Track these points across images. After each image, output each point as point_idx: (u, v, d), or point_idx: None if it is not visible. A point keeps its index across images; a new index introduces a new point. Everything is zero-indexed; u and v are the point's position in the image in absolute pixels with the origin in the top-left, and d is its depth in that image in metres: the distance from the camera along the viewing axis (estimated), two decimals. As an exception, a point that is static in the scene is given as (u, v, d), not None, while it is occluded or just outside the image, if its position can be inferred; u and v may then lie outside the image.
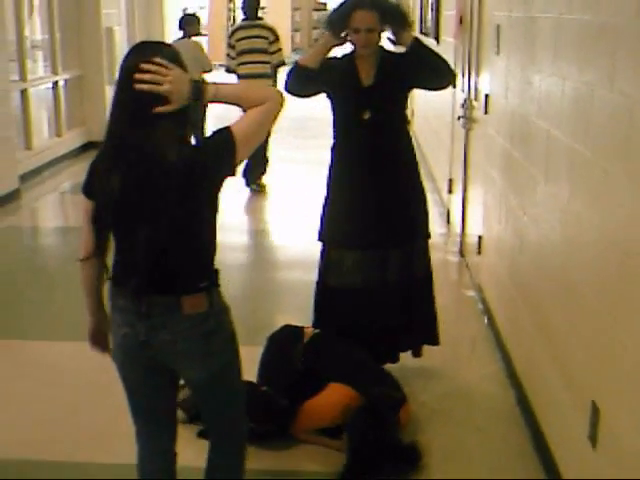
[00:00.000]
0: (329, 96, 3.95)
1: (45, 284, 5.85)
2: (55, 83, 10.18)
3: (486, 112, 5.22)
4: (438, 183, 8.23)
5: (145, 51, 2.37)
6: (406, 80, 3.90)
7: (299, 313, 4.55)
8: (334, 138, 4.00)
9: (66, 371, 4.34)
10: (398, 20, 3.80)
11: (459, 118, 6.22)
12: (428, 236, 4.14)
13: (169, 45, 2.53)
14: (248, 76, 8.18)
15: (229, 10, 23.26)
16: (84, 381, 4.21)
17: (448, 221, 7.13)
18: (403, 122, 4.01)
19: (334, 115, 3.98)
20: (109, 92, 10.81)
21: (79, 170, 9.74)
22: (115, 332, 2.51)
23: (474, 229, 5.67)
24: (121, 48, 11.45)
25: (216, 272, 2.46)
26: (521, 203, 4.05)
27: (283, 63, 8.41)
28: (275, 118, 2.43)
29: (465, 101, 6.10)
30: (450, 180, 7.07)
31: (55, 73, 10.14)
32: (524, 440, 3.64)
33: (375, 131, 3.85)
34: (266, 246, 7.11)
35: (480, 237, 5.29)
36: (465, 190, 6.20)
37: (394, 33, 3.85)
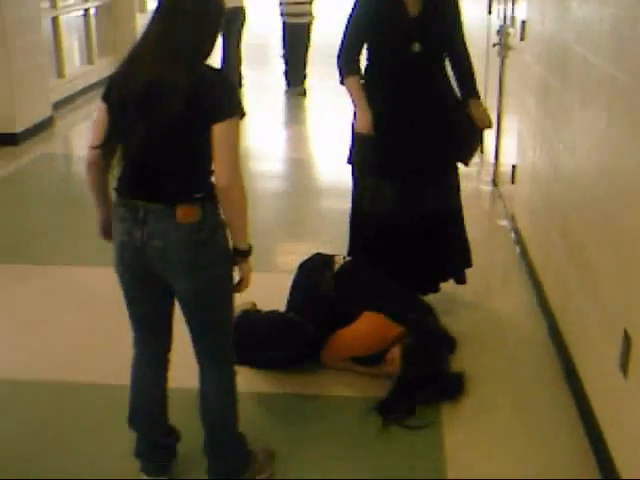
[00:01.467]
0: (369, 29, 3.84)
1: (78, 211, 5.90)
2: (86, 10, 10.10)
3: (522, 39, 5.12)
4: (472, 112, 8.11)
5: None
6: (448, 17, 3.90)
7: (333, 241, 4.57)
8: (370, 68, 3.90)
9: (99, 296, 4.40)
10: None
11: (494, 45, 6.11)
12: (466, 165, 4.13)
13: None
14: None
15: None
16: (117, 306, 4.26)
17: (481, 150, 7.06)
18: (445, 55, 3.96)
19: (372, 46, 3.87)
20: (139, 19, 10.75)
21: (111, 98, 9.75)
22: (115, 241, 2.62)
23: (508, 158, 5.61)
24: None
25: (213, 186, 2.49)
26: (557, 131, 3.99)
27: None
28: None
29: (500, 28, 5.98)
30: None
31: (86, 0, 10.05)
32: (555, 369, 3.66)
33: (424, 64, 3.80)
34: (302, 173, 7.08)
35: (514, 166, 5.24)
36: (499, 119, 6.12)
37: None
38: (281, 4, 9.94)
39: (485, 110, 3.97)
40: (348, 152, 4.04)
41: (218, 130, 2.38)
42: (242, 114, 2.48)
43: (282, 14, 9.95)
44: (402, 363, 3.41)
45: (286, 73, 10.28)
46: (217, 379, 2.77)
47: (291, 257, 4.64)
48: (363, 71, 3.91)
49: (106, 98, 2.53)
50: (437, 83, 3.89)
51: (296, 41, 9.97)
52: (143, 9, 10.88)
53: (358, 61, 3.86)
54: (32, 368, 3.67)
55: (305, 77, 10.24)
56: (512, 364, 3.74)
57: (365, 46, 3.87)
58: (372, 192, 3.99)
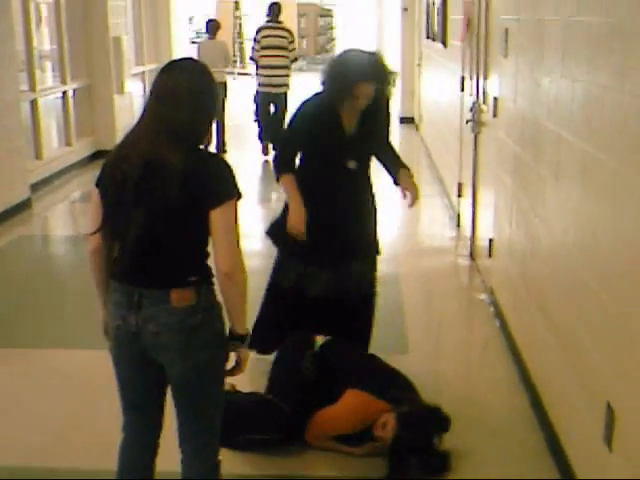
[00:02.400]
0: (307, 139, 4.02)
1: (57, 292, 5.88)
2: (64, 93, 10.21)
3: (495, 115, 5.23)
4: (447, 187, 8.23)
5: (174, 71, 2.52)
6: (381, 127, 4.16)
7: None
8: (302, 171, 4.04)
9: (78, 379, 4.35)
10: (388, 92, 4.01)
11: (467, 122, 6.23)
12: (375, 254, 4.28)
13: (196, 61, 2.67)
14: (268, 66, 10.51)
15: (235, 18, 23.40)
16: (97, 389, 4.22)
17: (458, 225, 7.13)
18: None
19: (307, 153, 4.04)
20: (117, 101, 10.87)
21: (89, 179, 9.77)
22: (111, 325, 2.60)
23: (485, 232, 5.67)
24: (128, 57, 11.53)
25: (207, 268, 2.51)
26: (532, 205, 4.05)
27: (296, 59, 10.96)
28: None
29: (473, 105, 6.10)
30: (459, 184, 7.07)
31: (64, 83, 10.17)
32: (539, 443, 3.64)
33: (356, 178, 4.04)
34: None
35: (491, 240, 5.29)
36: (475, 193, 6.21)
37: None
38: (257, 75, 10.84)
39: (412, 179, 4.14)
40: (269, 224, 4.25)
41: (215, 214, 2.40)
42: (239, 196, 2.46)
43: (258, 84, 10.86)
44: (397, 428, 3.38)
45: (260, 138, 11.10)
46: (199, 467, 2.70)
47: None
48: (296, 170, 4.07)
49: (99, 183, 2.54)
50: (364, 193, 4.14)
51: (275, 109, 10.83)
52: (121, 91, 11.00)
53: (293, 162, 4.06)
54: (8, 454, 3.59)
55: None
56: (496, 439, 3.71)
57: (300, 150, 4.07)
58: (278, 266, 4.23)
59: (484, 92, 5.80)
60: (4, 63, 7.70)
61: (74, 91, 10.42)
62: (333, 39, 37.97)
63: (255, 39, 10.74)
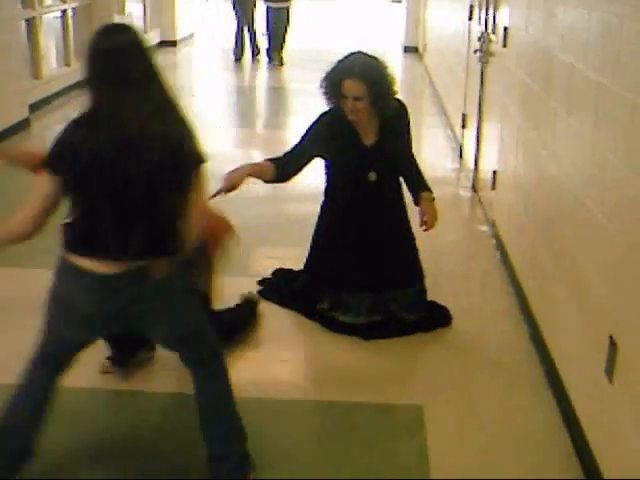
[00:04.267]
0: (324, 157, 3.95)
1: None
2: (64, 12, 10.02)
3: (504, 45, 5.14)
4: (451, 118, 8.15)
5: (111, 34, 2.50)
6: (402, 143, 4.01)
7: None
8: (328, 190, 4.03)
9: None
10: (385, 89, 3.79)
11: (475, 52, 6.13)
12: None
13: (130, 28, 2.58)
14: None
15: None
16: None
17: (460, 156, 7.09)
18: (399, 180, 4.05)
19: (329, 171, 3.99)
20: (118, 21, 10.68)
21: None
22: (66, 306, 2.59)
23: (488, 164, 5.63)
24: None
25: (180, 239, 2.55)
26: (540, 137, 4.01)
27: None
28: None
29: (482, 34, 6.00)
30: (464, 115, 7.00)
31: (63, 1, 9.97)
32: (538, 375, 3.66)
33: (379, 191, 3.91)
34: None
35: (495, 172, 5.26)
36: (480, 125, 6.15)
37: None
38: None
39: (433, 204, 3.98)
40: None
41: (193, 178, 2.52)
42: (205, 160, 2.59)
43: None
44: None
45: (268, 50, 12.68)
46: (210, 382, 2.85)
47: (271, 262, 4.66)
48: (323, 192, 4.06)
49: (63, 165, 2.45)
50: (391, 210, 4.01)
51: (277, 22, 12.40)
52: (121, 11, 10.82)
53: (283, 161, 3.83)
54: None
55: (282, 47, 12.51)
56: (493, 370, 3.74)
57: (324, 169, 4.00)
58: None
59: (494, 21, 5.70)
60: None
61: (74, 10, 10.22)
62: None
63: None
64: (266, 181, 3.81)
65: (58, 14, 10.04)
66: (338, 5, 22.81)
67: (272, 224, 5.59)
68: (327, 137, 3.85)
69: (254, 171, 3.75)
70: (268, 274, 4.50)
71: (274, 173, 3.77)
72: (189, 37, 14.91)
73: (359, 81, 3.68)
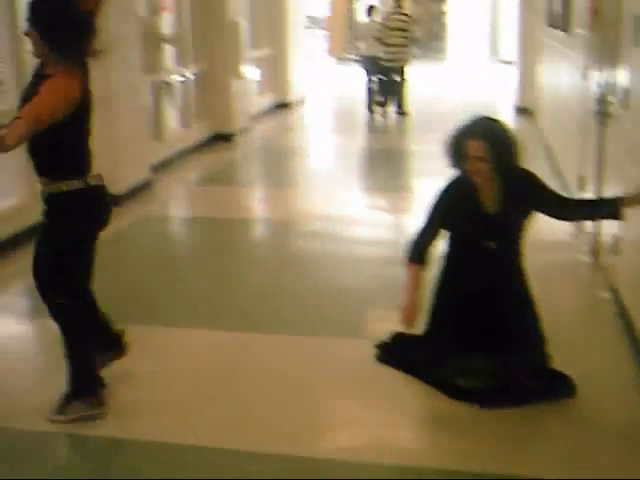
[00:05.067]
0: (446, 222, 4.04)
1: (175, 272, 6.03)
2: (184, 76, 10.43)
3: (624, 107, 5.06)
4: (567, 180, 8.02)
5: None
6: (530, 209, 3.97)
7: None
8: (448, 254, 4.08)
9: (194, 356, 4.48)
10: (509, 152, 3.86)
11: (593, 113, 6.05)
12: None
13: None
14: (394, 45, 12.88)
15: (348, 10, 23.36)
16: (218, 368, 4.32)
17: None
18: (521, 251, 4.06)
19: (450, 235, 4.05)
20: (234, 85, 11.04)
21: (207, 161, 10.01)
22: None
23: (609, 227, 5.50)
24: (245, 41, 11.68)
25: None
26: (666, 202, 3.90)
27: (417, 38, 14.00)
28: None
29: (600, 95, 5.92)
30: (581, 177, 6.88)
31: (185, 66, 10.40)
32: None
33: (500, 259, 3.94)
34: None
35: (616, 236, 5.13)
36: (598, 187, 6.03)
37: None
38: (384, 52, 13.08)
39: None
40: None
41: None
42: None
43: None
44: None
45: (384, 102, 13.58)
46: None
47: (384, 325, 4.65)
48: (443, 257, 4.11)
49: None
50: (512, 275, 4.01)
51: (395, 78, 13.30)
52: (238, 75, 11.16)
53: (425, 252, 4.02)
54: (141, 431, 3.72)
55: (402, 101, 13.41)
56: (621, 442, 3.61)
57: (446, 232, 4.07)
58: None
59: (612, 83, 5.62)
60: (129, 46, 7.92)
61: (194, 75, 10.63)
62: (446, 25, 37.49)
63: (383, 24, 13.01)
64: None
65: (179, 78, 10.48)
66: (446, 66, 22.94)
67: (387, 286, 5.59)
68: (451, 210, 3.95)
69: (416, 288, 4.04)
70: (383, 337, 4.49)
71: (423, 269, 4.04)
72: (302, 99, 15.24)
73: (481, 141, 3.76)
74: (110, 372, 4.02)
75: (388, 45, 12.85)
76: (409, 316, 4.03)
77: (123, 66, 7.69)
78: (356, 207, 7.89)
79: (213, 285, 5.62)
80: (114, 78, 7.50)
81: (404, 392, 4.07)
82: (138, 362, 4.36)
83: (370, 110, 13.60)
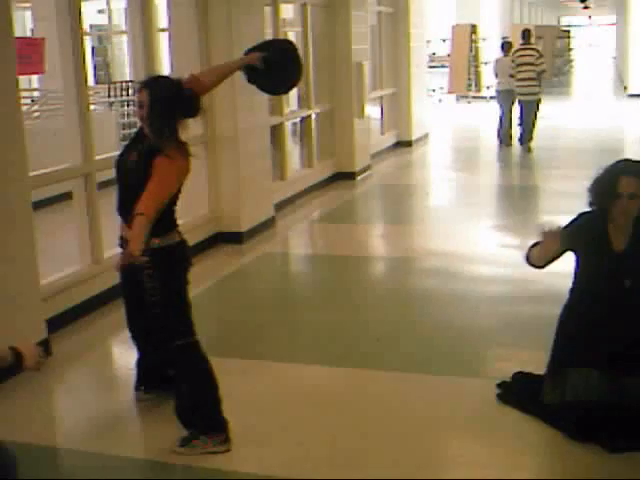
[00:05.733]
0: (574, 252, 4.01)
1: (297, 308, 6.13)
2: (307, 116, 10.65)
3: None
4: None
5: None
6: None
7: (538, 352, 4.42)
8: (575, 292, 4.05)
9: (314, 393, 4.52)
10: None
11: None
12: None
13: None
14: (522, 79, 13.21)
15: (472, 41, 23.32)
16: (337, 404, 4.36)
17: None
18: None
19: (579, 273, 4.02)
20: (357, 124, 11.19)
21: (328, 199, 10.16)
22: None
23: None
24: (368, 81, 11.84)
25: None
26: None
27: (544, 71, 13.57)
28: None
29: None
30: None
31: (308, 107, 10.61)
32: None
33: (633, 298, 3.88)
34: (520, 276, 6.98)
35: None
36: None
37: None
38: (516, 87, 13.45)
39: None
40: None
41: None
42: None
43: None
44: None
45: (520, 137, 13.68)
46: None
47: (505, 364, 4.59)
48: (570, 291, 4.08)
49: None
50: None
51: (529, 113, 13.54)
52: (361, 115, 11.31)
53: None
54: (249, 465, 3.80)
55: (532, 136, 13.51)
56: None
57: (574, 269, 4.03)
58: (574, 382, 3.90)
59: None
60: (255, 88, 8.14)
61: (317, 114, 10.84)
62: (571, 60, 36.92)
63: (512, 60, 13.47)
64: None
65: (300, 119, 10.73)
66: (571, 101, 22.52)
67: (509, 325, 5.52)
68: (580, 235, 3.93)
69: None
70: (502, 376, 4.42)
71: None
72: (424, 137, 15.28)
73: (636, 177, 3.78)
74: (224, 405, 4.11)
75: (518, 79, 13.25)
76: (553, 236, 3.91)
77: (249, 108, 7.93)
78: (477, 244, 7.82)
79: (333, 322, 5.68)
80: (240, 120, 7.74)
81: (527, 433, 3.98)
82: (256, 396, 4.47)
83: (500, 141, 14.06)
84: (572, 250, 3.98)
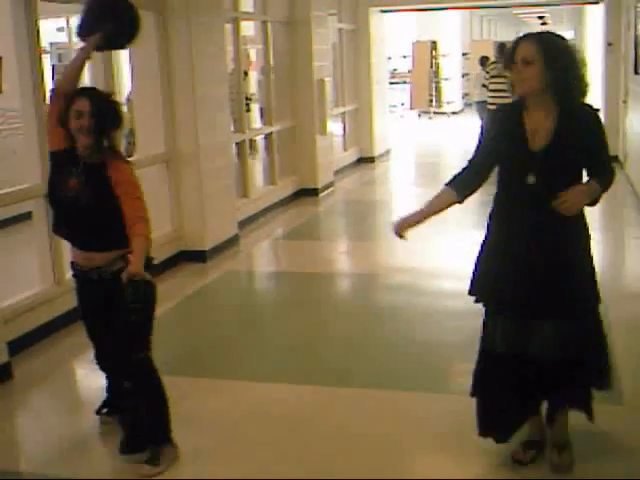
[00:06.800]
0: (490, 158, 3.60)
1: (261, 327, 6.09)
2: (269, 134, 10.64)
3: None
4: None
5: None
6: (579, 154, 3.43)
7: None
8: (495, 196, 3.63)
9: (279, 412, 4.49)
10: (565, 68, 3.32)
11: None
12: (592, 313, 3.60)
13: None
14: (495, 90, 12.79)
15: (432, 58, 23.55)
16: (302, 422, 4.33)
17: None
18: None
19: (498, 175, 3.59)
20: (319, 141, 11.21)
21: (292, 216, 10.14)
22: None
23: None
24: (330, 98, 11.86)
25: None
26: None
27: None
28: None
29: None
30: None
31: (269, 124, 10.61)
32: None
33: (539, 198, 3.38)
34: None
35: None
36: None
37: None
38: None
39: (583, 188, 3.41)
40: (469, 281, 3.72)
41: None
42: None
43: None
44: None
45: None
46: None
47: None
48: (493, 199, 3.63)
49: None
50: (552, 218, 3.38)
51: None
52: (323, 131, 11.32)
53: (461, 178, 3.62)
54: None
55: None
56: None
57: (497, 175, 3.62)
58: (485, 328, 3.69)
59: None
60: (218, 106, 8.14)
61: (278, 132, 10.83)
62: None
63: (486, 71, 13.88)
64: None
65: (263, 136, 10.71)
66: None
67: (475, 340, 5.52)
68: (497, 140, 3.53)
69: (432, 212, 3.71)
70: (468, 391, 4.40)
71: (457, 198, 3.65)
72: (386, 153, 15.34)
73: (532, 43, 3.31)
74: (188, 424, 4.06)
75: (490, 90, 13.43)
76: (400, 224, 3.69)
77: (211, 126, 7.90)
78: (442, 259, 7.84)
79: (298, 339, 5.65)
80: (201, 137, 7.70)
81: (496, 448, 3.96)
82: (219, 414, 4.43)
83: None
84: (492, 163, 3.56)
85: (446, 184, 3.68)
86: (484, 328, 3.70)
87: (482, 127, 3.87)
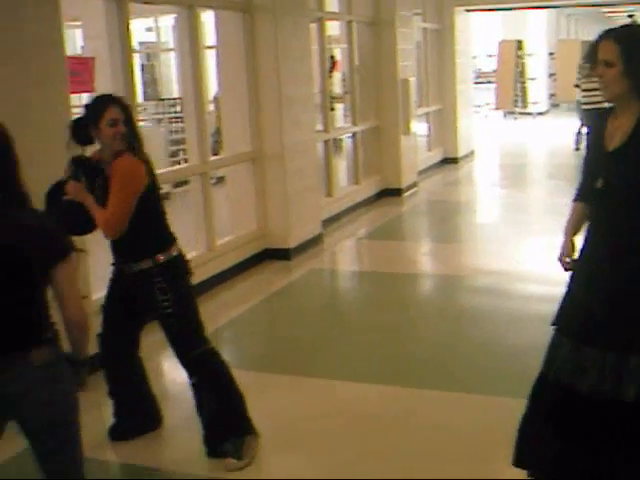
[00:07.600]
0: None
1: (344, 325, 6.09)
2: (354, 133, 10.64)
3: None
4: None
5: None
6: None
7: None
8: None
9: (354, 410, 4.48)
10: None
11: None
12: None
13: None
14: (588, 89, 12.80)
15: (517, 57, 23.16)
16: (382, 420, 4.31)
17: None
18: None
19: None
20: (403, 141, 11.15)
21: (375, 216, 10.12)
22: None
23: None
24: (414, 98, 11.80)
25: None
26: None
27: None
28: None
29: None
30: None
31: (354, 124, 10.60)
32: None
33: (610, 205, 3.12)
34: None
35: None
36: None
37: None
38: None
39: None
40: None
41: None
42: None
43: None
44: None
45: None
46: None
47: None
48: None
49: None
50: (619, 227, 3.11)
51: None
52: (407, 131, 11.26)
53: (584, 189, 3.36)
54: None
55: None
56: None
57: None
58: (550, 349, 3.42)
59: None
60: (303, 106, 8.18)
61: (363, 131, 10.82)
62: None
63: (578, 71, 13.87)
64: None
65: (348, 135, 10.70)
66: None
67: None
68: (590, 146, 3.36)
69: (576, 232, 3.45)
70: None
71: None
72: (470, 154, 15.17)
73: (612, 41, 3.04)
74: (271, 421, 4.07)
75: (583, 90, 13.28)
76: (562, 252, 3.44)
77: (295, 124, 7.94)
78: (527, 262, 7.70)
79: (380, 340, 5.62)
80: (286, 136, 7.75)
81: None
82: (299, 412, 4.44)
83: (577, 149, 14.36)
84: None
85: (574, 200, 3.48)
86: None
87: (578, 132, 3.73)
